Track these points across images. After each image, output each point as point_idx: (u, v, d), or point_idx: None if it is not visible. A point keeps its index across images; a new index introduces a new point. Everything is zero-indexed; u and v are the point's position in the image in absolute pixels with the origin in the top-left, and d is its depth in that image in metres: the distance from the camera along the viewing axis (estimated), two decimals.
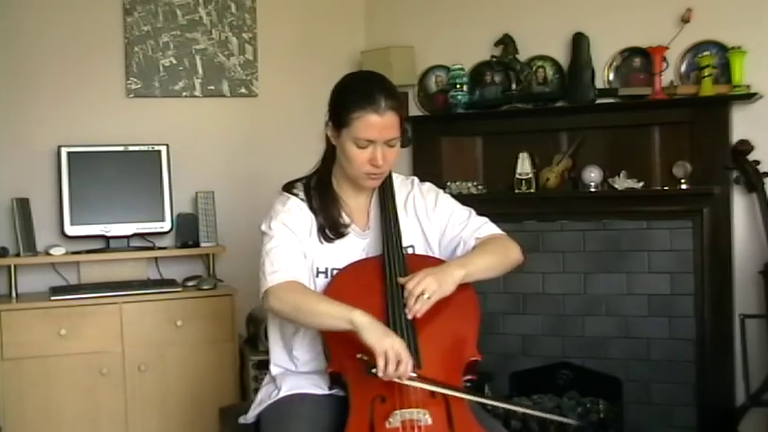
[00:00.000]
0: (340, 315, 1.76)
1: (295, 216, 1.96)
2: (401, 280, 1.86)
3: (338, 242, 1.97)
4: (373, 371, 1.70)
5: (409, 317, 1.81)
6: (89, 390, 3.11)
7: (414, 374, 1.72)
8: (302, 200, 1.99)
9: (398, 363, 1.69)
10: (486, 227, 2.05)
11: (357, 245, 2.00)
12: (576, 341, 3.46)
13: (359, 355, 1.74)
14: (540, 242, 3.50)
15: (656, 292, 3.31)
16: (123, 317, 3.16)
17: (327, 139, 1.98)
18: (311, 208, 1.98)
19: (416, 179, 2.13)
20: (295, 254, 1.91)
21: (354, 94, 1.89)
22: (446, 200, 2.09)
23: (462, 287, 1.92)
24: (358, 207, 2.03)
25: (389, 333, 1.73)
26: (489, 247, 1.98)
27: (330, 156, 2.00)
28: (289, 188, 2.03)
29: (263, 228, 1.97)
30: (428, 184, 2.12)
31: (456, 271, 1.87)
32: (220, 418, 2.25)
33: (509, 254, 2.01)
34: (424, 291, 1.80)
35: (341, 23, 3.95)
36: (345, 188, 2.02)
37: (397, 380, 1.71)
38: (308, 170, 2.06)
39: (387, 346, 1.68)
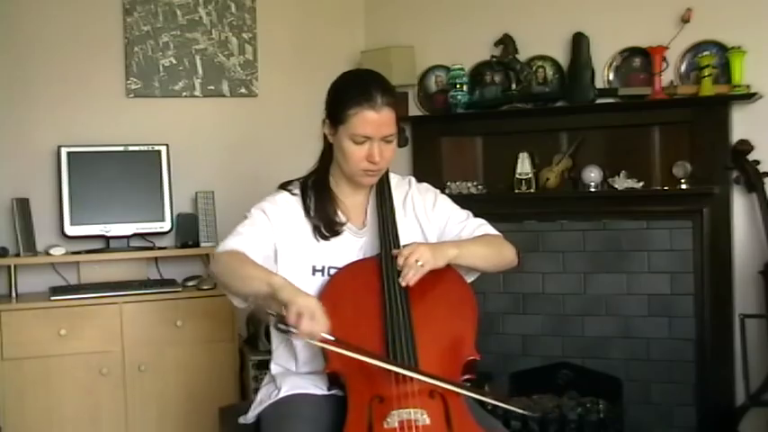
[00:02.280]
0: (261, 277, 1.77)
1: (280, 207, 1.98)
2: (395, 252, 1.87)
3: (334, 240, 1.98)
4: (280, 326, 1.67)
5: (402, 284, 1.82)
6: (89, 390, 3.11)
7: (331, 338, 1.71)
8: (294, 194, 2.00)
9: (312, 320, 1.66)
10: (485, 227, 2.06)
11: (353, 243, 2.00)
12: (575, 341, 3.46)
13: (269, 310, 1.71)
14: (540, 242, 3.50)
15: (656, 292, 3.31)
16: (123, 317, 3.16)
17: (325, 137, 1.98)
18: (305, 206, 1.99)
19: (413, 179, 2.13)
20: (257, 234, 1.93)
21: (351, 90, 1.89)
22: (444, 200, 2.10)
23: (460, 285, 1.94)
24: (355, 205, 2.03)
25: (307, 294, 1.73)
26: (485, 240, 2.02)
27: (327, 154, 2.01)
28: (284, 186, 2.04)
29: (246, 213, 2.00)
30: (425, 184, 2.13)
31: (449, 248, 1.90)
32: (220, 418, 2.25)
33: (504, 251, 2.03)
34: (418, 259, 1.81)
35: (341, 23, 3.95)
36: (342, 186, 2.02)
37: (309, 340, 1.70)
38: (308, 170, 2.06)
39: (301, 302, 1.67)
